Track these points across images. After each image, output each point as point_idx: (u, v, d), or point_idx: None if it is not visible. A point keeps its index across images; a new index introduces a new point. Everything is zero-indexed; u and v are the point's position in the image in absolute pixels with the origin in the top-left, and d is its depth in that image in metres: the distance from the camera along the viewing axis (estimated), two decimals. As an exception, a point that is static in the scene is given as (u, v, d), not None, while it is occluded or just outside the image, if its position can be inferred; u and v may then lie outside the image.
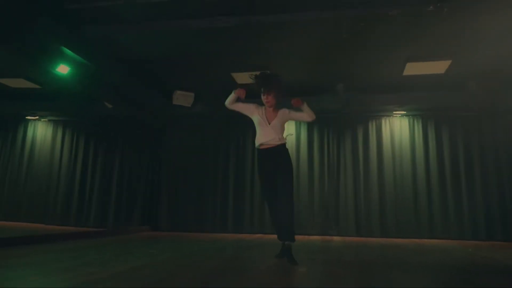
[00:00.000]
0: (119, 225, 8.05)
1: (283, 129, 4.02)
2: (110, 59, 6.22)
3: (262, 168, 3.98)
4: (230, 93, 4.08)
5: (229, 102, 4.06)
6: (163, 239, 6.42)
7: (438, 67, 6.27)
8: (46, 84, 7.23)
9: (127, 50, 6.01)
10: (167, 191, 8.28)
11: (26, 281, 2.83)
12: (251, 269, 3.68)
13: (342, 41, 5.48)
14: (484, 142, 7.38)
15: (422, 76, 6.63)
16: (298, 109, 4.00)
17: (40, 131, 9.16)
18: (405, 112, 7.64)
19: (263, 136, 3.93)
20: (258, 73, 4.05)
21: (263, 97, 4.00)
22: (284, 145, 3.94)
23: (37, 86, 7.47)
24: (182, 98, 7.61)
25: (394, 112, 7.66)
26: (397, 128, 7.76)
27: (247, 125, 8.08)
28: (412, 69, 6.36)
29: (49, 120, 9.15)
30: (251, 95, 4.17)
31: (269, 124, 3.95)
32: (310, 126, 7.94)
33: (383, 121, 7.83)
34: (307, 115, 3.97)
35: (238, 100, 4.05)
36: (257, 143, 3.99)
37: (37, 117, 9.10)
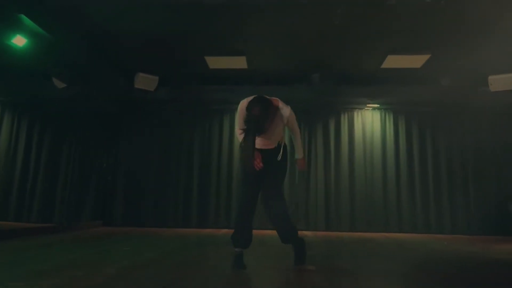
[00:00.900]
0: (68, 220, 7.39)
1: None
2: (71, 32, 5.63)
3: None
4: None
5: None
6: (127, 235, 6.06)
7: (416, 61, 6.40)
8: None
9: (91, 24, 5.46)
10: (123, 183, 7.80)
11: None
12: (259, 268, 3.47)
13: (325, 29, 5.43)
14: (452, 138, 7.69)
15: (398, 70, 6.75)
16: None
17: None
18: (377, 106, 7.76)
19: (261, 141, 3.47)
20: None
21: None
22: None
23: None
24: (145, 81, 7.15)
25: (366, 105, 7.75)
26: (369, 122, 7.87)
27: (215, 113, 8.07)
28: (392, 62, 6.44)
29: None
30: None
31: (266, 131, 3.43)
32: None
33: (355, 113, 7.91)
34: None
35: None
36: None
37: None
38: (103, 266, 3.18)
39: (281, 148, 3.48)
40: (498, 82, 6.89)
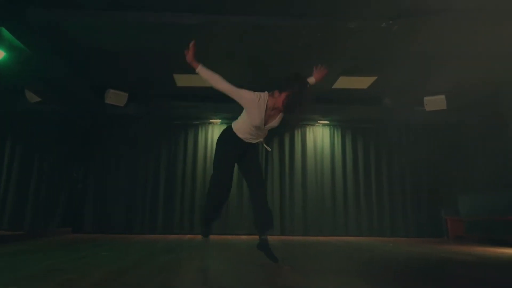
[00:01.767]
0: (37, 228, 7.87)
1: None
2: (48, 47, 5.98)
3: (232, 150, 3.57)
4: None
5: (208, 79, 3.49)
6: (98, 240, 6.45)
7: (364, 82, 7.28)
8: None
9: (68, 40, 5.79)
10: (93, 191, 8.36)
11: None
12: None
13: (285, 51, 5.92)
14: (392, 151, 8.84)
15: (347, 90, 7.64)
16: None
17: None
18: (327, 122, 8.84)
19: (254, 136, 3.56)
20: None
21: (283, 98, 3.30)
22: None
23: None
24: (115, 97, 7.79)
25: (318, 122, 8.79)
26: (319, 136, 8.93)
27: (180, 128, 8.83)
28: (343, 83, 7.28)
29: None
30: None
31: (264, 126, 3.48)
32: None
33: (307, 129, 8.93)
34: None
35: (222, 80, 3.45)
36: (239, 132, 3.53)
37: None
38: (89, 271, 3.10)
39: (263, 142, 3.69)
40: (432, 102, 7.90)
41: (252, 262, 3.74)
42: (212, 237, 3.78)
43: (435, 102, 7.95)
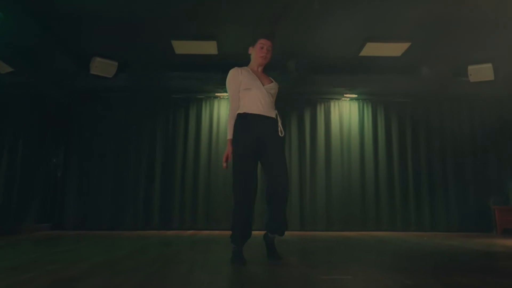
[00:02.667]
0: (8, 224, 6.77)
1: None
2: (23, 10, 5.18)
3: (253, 138, 3.26)
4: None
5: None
6: (81, 236, 5.57)
7: (396, 49, 6.37)
8: None
9: (46, 2, 5.08)
10: (75, 182, 7.29)
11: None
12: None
13: (301, 14, 5.30)
14: (431, 130, 7.72)
15: (377, 58, 6.68)
16: None
17: None
18: (355, 96, 7.66)
19: (264, 104, 3.32)
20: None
21: (260, 49, 3.41)
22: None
23: None
24: (102, 67, 6.68)
25: (344, 95, 7.63)
26: (346, 113, 7.76)
27: (180, 103, 7.72)
28: (371, 49, 6.38)
29: None
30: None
31: (264, 85, 3.35)
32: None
33: (332, 104, 7.77)
34: None
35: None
36: (248, 109, 3.30)
37: None
38: (74, 262, 3.08)
39: (279, 121, 3.39)
40: (478, 72, 6.96)
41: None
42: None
43: (480, 72, 6.99)
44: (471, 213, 7.39)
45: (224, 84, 3.41)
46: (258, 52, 3.42)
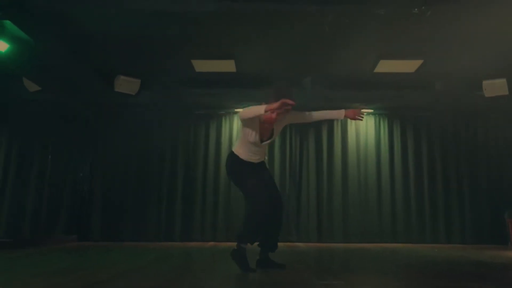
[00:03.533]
0: (38, 236, 7.20)
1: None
2: (52, 35, 5.54)
3: (248, 168, 3.70)
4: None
5: (250, 114, 3.43)
6: (107, 248, 5.90)
7: (410, 66, 6.56)
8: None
9: (74, 27, 5.45)
10: (101, 195, 7.65)
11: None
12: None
13: (317, 35, 5.56)
14: (446, 144, 7.89)
15: (392, 74, 6.87)
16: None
17: None
18: (371, 111, 7.89)
19: (255, 154, 3.72)
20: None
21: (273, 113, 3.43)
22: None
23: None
24: (126, 85, 7.01)
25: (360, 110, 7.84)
26: (363, 127, 7.99)
27: (201, 119, 8.05)
28: (384, 66, 6.57)
29: None
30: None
31: (261, 143, 3.65)
32: (269, 123, 7.84)
33: (348, 119, 7.98)
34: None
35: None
36: (241, 155, 3.68)
37: None
38: (101, 268, 3.56)
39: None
40: (492, 87, 7.07)
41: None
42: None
43: (495, 87, 7.10)
44: (487, 226, 7.53)
45: (243, 100, 3.64)
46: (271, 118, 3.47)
